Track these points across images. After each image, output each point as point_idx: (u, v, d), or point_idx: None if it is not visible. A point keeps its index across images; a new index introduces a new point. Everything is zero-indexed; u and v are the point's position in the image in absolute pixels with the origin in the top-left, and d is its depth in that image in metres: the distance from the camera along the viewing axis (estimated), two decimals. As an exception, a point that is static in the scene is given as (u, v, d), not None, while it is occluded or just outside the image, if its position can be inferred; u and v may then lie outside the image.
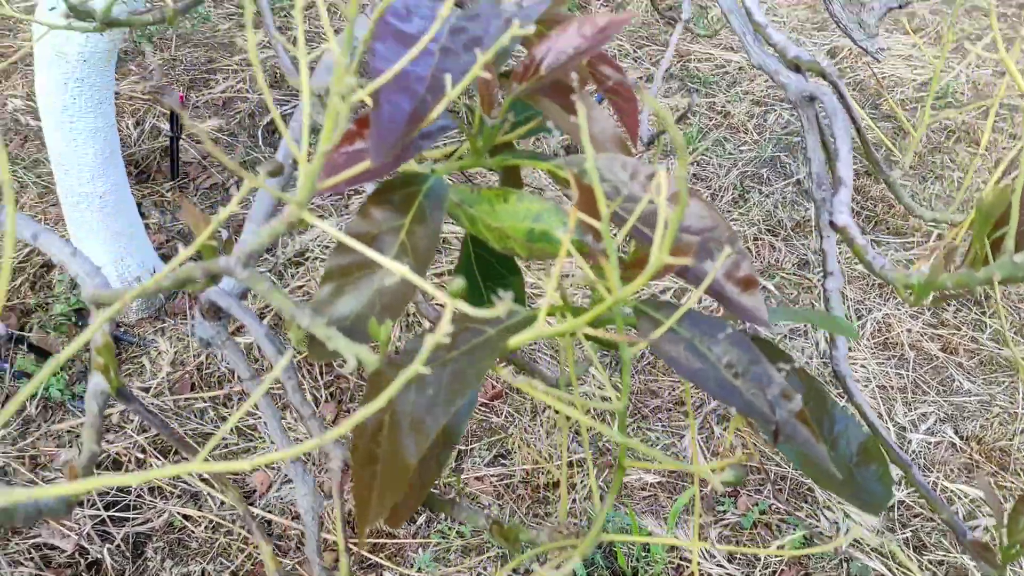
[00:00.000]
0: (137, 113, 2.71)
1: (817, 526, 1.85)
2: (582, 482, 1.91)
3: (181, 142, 2.59)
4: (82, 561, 1.67)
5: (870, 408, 0.66)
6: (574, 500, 1.88)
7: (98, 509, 1.75)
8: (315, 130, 0.71)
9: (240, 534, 1.75)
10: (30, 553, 1.65)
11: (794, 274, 2.49)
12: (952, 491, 1.95)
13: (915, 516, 1.89)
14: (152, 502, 1.79)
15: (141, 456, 1.85)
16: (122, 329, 2.11)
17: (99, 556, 1.67)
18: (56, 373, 1.97)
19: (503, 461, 1.94)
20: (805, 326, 2.30)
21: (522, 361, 0.67)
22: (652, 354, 2.19)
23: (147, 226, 2.26)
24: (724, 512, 1.88)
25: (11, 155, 2.55)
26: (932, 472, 1.99)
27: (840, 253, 2.09)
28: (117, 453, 1.86)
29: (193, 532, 1.75)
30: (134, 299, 0.43)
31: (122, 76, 2.82)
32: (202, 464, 0.34)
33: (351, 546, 1.51)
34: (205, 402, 2.00)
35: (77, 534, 1.70)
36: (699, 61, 3.38)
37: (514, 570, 1.67)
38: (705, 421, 2.06)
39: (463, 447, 1.96)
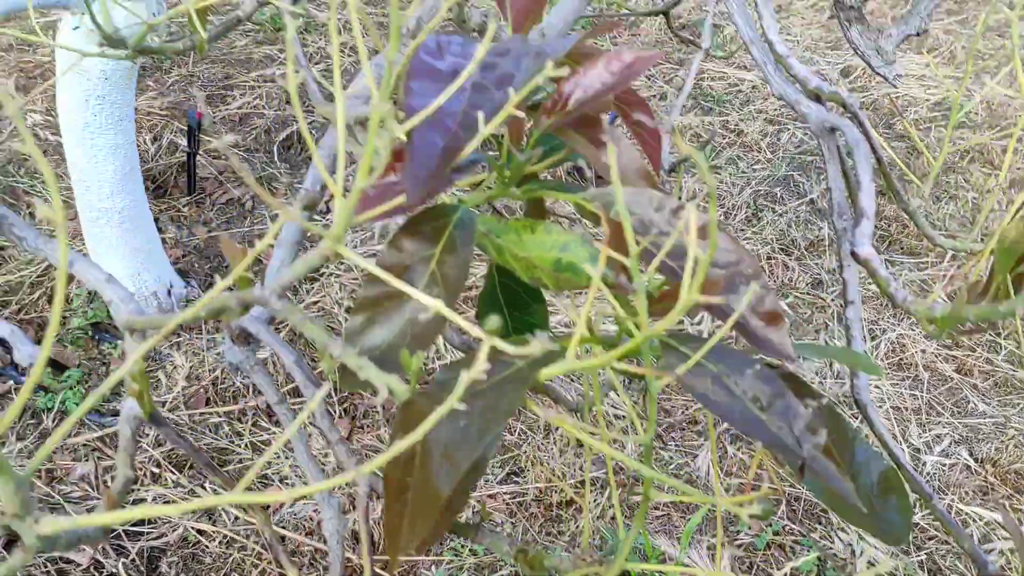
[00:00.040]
0: (155, 128, 2.74)
1: (831, 547, 1.85)
2: (594, 500, 1.91)
3: (198, 157, 2.61)
4: (97, 575, 1.68)
5: (891, 438, 0.67)
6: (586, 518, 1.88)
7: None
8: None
9: (254, 549, 1.75)
10: (46, 567, 1.66)
11: (808, 293, 2.49)
12: (967, 514, 1.94)
13: (930, 539, 1.88)
14: (166, 517, 1.80)
15: (156, 470, 1.86)
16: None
17: (114, 570, 1.68)
18: (72, 387, 1.98)
19: (516, 479, 1.95)
20: (819, 342, 2.30)
21: (542, 384, 0.67)
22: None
23: (163, 241, 2.28)
24: (737, 532, 1.87)
25: (30, 170, 2.58)
26: (947, 494, 1.98)
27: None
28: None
29: (207, 547, 1.75)
30: (171, 330, 0.44)
31: (140, 91, 2.85)
32: (241, 496, 0.35)
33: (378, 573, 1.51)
34: (220, 417, 2.01)
35: (92, 548, 1.71)
36: (712, 79, 3.39)
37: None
38: (719, 440, 2.05)
39: (476, 464, 1.96)
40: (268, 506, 1.85)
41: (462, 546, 1.79)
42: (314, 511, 1.85)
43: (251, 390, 2.06)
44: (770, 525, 1.87)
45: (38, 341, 2.07)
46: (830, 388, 2.19)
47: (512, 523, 1.85)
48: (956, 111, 0.65)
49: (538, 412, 0.40)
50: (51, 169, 0.32)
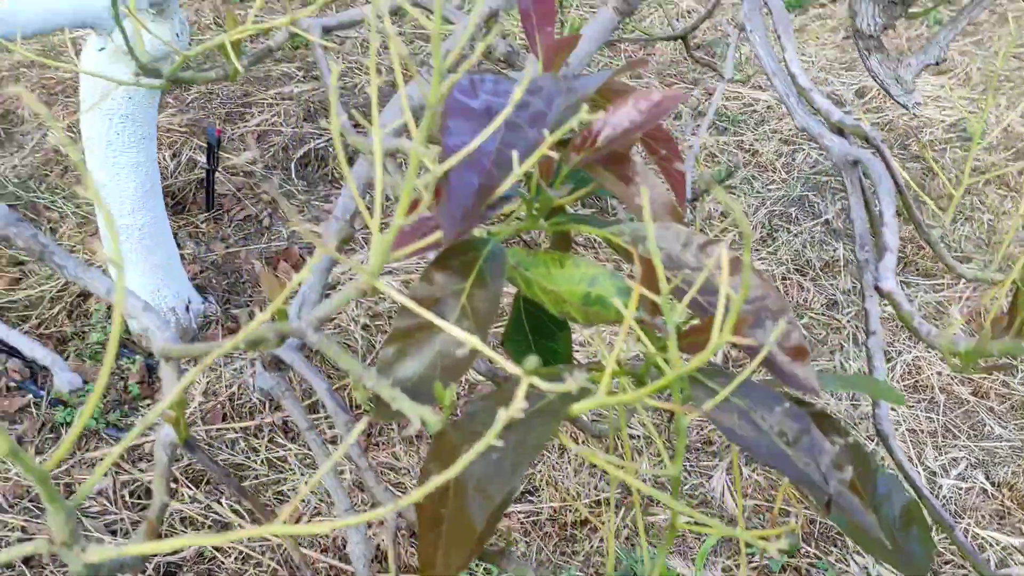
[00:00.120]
0: (174, 145, 2.77)
1: (847, 571, 1.84)
2: (607, 519, 1.91)
3: (216, 174, 2.64)
4: (114, 590, 1.69)
5: (907, 460, 0.67)
6: (601, 539, 1.88)
7: (130, 538, 1.77)
8: (371, 184, 0.73)
9: (270, 566, 1.76)
10: (63, 581, 1.67)
11: (823, 314, 2.48)
12: (983, 538, 1.93)
13: (946, 563, 1.87)
14: (183, 532, 1.81)
15: (173, 486, 1.87)
16: (156, 360, 2.15)
17: (130, 585, 1.69)
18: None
19: (530, 498, 1.95)
20: (835, 367, 2.30)
21: (571, 415, 0.68)
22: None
23: (182, 256, 2.30)
24: (752, 555, 1.87)
25: (50, 185, 2.61)
26: (963, 518, 1.97)
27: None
28: (149, 481, 1.88)
29: (223, 563, 1.76)
30: (208, 363, 0.45)
31: (160, 108, 2.88)
32: (282, 527, 0.36)
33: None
34: (236, 432, 2.02)
35: (133, 575, 1.71)
36: (727, 99, 3.40)
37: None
38: (732, 461, 2.05)
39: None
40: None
41: (476, 565, 1.79)
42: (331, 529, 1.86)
43: (267, 406, 2.07)
44: (785, 547, 1.87)
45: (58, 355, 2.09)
46: (846, 412, 2.18)
47: (527, 542, 1.85)
48: (977, 142, 0.66)
49: (571, 446, 0.40)
50: (100, 196, 0.33)
